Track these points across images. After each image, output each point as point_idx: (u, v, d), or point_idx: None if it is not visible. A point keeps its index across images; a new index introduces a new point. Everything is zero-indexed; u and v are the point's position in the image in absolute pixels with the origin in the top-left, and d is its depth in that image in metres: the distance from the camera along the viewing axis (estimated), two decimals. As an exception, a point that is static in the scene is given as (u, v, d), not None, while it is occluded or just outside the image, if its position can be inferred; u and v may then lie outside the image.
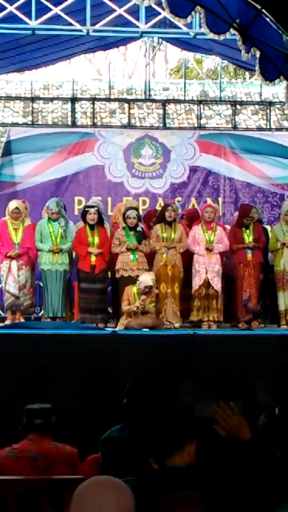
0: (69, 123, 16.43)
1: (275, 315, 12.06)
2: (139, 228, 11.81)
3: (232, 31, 8.75)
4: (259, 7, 8.51)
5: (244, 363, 10.06)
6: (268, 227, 13.41)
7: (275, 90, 16.80)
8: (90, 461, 5.46)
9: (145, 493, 3.13)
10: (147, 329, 10.92)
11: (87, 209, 12.09)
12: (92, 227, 11.76)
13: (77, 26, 13.31)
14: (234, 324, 11.96)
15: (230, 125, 16.83)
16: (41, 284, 12.22)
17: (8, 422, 5.88)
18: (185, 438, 3.66)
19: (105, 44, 15.57)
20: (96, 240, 11.68)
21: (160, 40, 17.28)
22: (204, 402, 8.72)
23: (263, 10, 8.51)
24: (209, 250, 11.70)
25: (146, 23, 13.58)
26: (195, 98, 18.43)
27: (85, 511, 2.60)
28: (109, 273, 12.08)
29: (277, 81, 8.92)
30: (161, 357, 9.71)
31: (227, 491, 3.71)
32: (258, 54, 8.70)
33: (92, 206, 12.10)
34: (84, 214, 12.02)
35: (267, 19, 8.58)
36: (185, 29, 13.19)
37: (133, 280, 11.26)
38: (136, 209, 12.23)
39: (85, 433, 5.89)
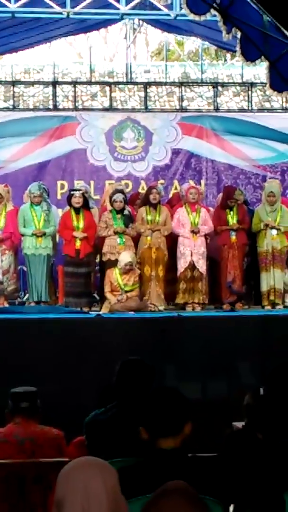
0: (51, 106, 16.39)
1: (259, 296, 12.09)
2: (126, 212, 11.81)
3: (212, 11, 8.74)
4: (239, -13, 8.52)
5: (228, 344, 10.11)
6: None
7: (257, 72, 16.82)
8: (76, 444, 5.48)
9: (131, 474, 3.15)
10: (132, 312, 10.96)
11: (72, 192, 12.09)
12: (77, 211, 11.73)
13: (57, 8, 13.28)
14: (218, 306, 11.99)
15: (212, 107, 16.80)
16: (24, 268, 12.22)
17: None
18: (182, 420, 3.66)
19: (85, 26, 15.51)
20: (81, 224, 11.67)
21: (141, 22, 17.26)
22: (189, 383, 8.79)
23: (243, -9, 8.52)
24: (194, 232, 11.70)
25: (126, 5, 13.57)
26: (176, 80, 18.41)
27: (72, 491, 2.62)
28: (98, 256, 12.07)
29: (258, 61, 8.94)
30: (146, 340, 9.74)
31: (216, 477, 3.74)
32: (239, 34, 8.72)
33: (78, 190, 12.11)
34: (69, 197, 11.99)
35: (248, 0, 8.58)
36: (165, 10, 13.18)
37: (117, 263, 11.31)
38: (123, 192, 12.20)
39: (71, 416, 5.89)
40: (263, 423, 4.18)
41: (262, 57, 8.80)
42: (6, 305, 11.87)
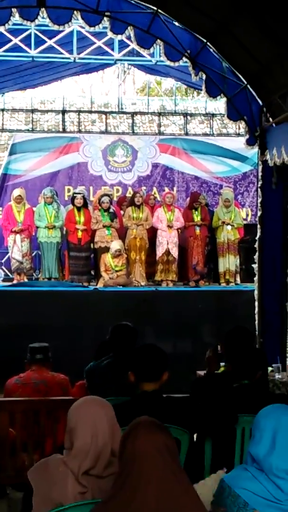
0: (60, 129, 16.31)
1: (217, 275, 12.10)
2: (111, 210, 11.87)
3: (184, 59, 8.70)
4: (205, 41, 8.47)
5: (193, 312, 10.14)
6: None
7: (217, 105, 16.73)
8: (78, 386, 5.48)
9: (121, 410, 3.14)
10: (121, 287, 10.96)
11: (75, 194, 12.15)
12: (79, 209, 11.76)
13: (66, 54, 13.19)
14: (186, 283, 11.99)
15: (182, 132, 16.76)
16: (39, 252, 12.20)
17: (16, 357, 5.86)
18: (161, 369, 3.66)
19: (87, 68, 15.40)
20: (82, 219, 11.71)
21: (130, 66, 17.17)
22: (164, 342, 8.81)
23: (208, 43, 8.47)
24: (169, 227, 11.70)
25: (119, 53, 13.48)
26: (156, 111, 18.29)
27: (82, 421, 2.61)
28: (91, 244, 12.07)
29: (218, 97, 8.89)
30: (131, 308, 9.77)
31: (185, 413, 3.74)
32: (204, 76, 8.66)
33: (79, 193, 12.14)
34: (73, 198, 12.05)
35: (211, 50, 8.55)
36: (148, 57, 13.09)
37: (108, 250, 11.31)
38: (109, 195, 12.28)
39: (74, 365, 5.88)
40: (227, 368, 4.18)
41: (222, 94, 8.75)
42: (26, 280, 11.86)
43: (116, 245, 11.21)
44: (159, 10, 8.31)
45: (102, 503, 2.23)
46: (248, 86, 8.55)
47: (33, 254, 12.40)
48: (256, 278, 8.77)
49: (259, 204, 8.65)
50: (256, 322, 8.58)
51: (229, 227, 11.88)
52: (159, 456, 2.20)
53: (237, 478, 2.52)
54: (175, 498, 2.16)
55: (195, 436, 3.99)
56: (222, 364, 4.87)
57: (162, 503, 2.13)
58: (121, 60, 14.35)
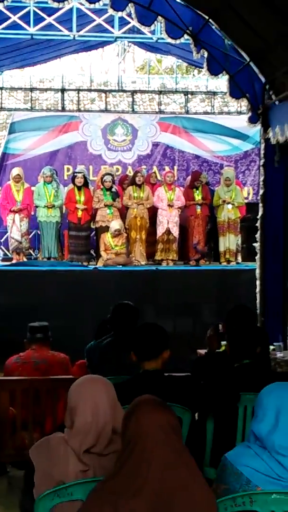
0: (60, 108, 16.20)
1: (218, 254, 12.09)
2: (113, 189, 11.79)
3: (186, 36, 8.60)
4: (207, 17, 8.36)
5: (194, 291, 10.13)
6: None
7: (218, 83, 16.61)
8: (78, 365, 5.48)
9: (122, 389, 3.13)
10: (121, 266, 10.94)
11: (75, 174, 12.07)
12: (79, 188, 11.69)
13: (66, 32, 13.08)
14: (186, 262, 11.98)
15: (183, 110, 16.65)
16: (38, 232, 12.16)
17: (16, 336, 5.85)
18: (162, 347, 3.64)
19: (87, 46, 15.30)
20: (82, 198, 11.64)
21: (130, 43, 17.03)
22: (164, 321, 8.79)
23: (210, 20, 8.37)
24: (170, 206, 11.66)
25: (119, 30, 13.37)
26: (156, 89, 18.15)
27: (83, 400, 2.60)
28: (92, 223, 12.03)
29: (220, 75, 8.80)
30: (131, 287, 9.76)
31: (186, 391, 3.73)
32: (205, 54, 8.56)
33: (80, 172, 12.06)
34: (73, 177, 11.98)
35: (213, 27, 8.44)
36: (149, 35, 12.96)
37: (108, 229, 11.28)
38: (111, 174, 12.16)
39: (74, 344, 5.87)
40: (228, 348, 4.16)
41: (224, 71, 8.66)
42: (25, 259, 11.83)
43: (115, 225, 11.19)
44: (160, -14, 8.20)
45: (105, 481, 2.22)
46: (251, 63, 8.46)
47: (32, 234, 12.38)
48: (257, 257, 8.74)
49: (261, 183, 8.59)
50: (258, 301, 8.55)
51: (229, 206, 11.84)
52: (162, 434, 2.19)
53: (239, 455, 2.52)
54: (179, 476, 2.15)
55: (196, 414, 3.98)
56: (223, 343, 4.86)
57: (165, 481, 2.13)
58: (121, 37, 14.25)
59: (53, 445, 2.58)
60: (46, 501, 2.46)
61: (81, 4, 10.88)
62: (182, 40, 8.79)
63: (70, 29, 13.05)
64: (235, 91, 8.73)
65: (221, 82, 14.51)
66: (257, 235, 8.74)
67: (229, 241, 11.81)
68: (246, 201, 13.07)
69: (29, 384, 5.20)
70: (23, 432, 5.20)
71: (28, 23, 12.55)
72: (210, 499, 2.22)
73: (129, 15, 8.88)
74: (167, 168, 14.67)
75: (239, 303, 5.16)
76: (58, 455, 2.55)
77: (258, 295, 8.65)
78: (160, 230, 11.65)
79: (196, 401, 3.77)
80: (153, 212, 11.80)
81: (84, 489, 2.40)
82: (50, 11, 12.22)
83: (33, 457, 2.58)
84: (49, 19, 12.57)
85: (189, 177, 12.90)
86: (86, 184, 11.87)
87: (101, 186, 11.80)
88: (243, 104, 8.99)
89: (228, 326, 4.28)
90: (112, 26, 13.29)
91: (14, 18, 12.35)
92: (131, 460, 2.17)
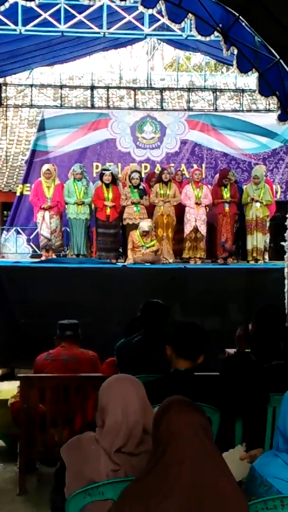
0: (89, 105, 16.26)
1: (246, 253, 12.03)
2: (141, 187, 11.78)
3: (215, 33, 8.55)
4: (237, 14, 8.31)
5: (221, 289, 10.08)
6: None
7: (247, 80, 16.54)
8: (107, 363, 5.48)
9: (153, 388, 3.12)
10: (149, 263, 10.93)
11: (103, 171, 12.06)
12: (107, 186, 11.69)
13: (96, 29, 13.08)
14: (214, 260, 11.94)
15: (212, 108, 16.63)
16: (68, 229, 12.20)
17: (46, 334, 5.88)
18: (201, 350, 3.60)
19: (116, 44, 15.29)
20: (111, 196, 11.62)
21: (158, 41, 17.02)
22: (192, 319, 8.76)
23: (240, 17, 8.31)
24: (197, 204, 11.63)
25: (149, 27, 13.35)
26: (185, 87, 18.14)
27: (114, 399, 2.61)
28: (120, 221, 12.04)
29: (250, 73, 8.74)
30: (159, 285, 9.73)
31: (216, 391, 3.71)
32: (235, 51, 8.51)
33: (108, 169, 12.07)
34: (101, 175, 11.96)
35: (243, 24, 8.39)
36: (178, 32, 12.92)
37: (136, 227, 11.26)
38: (139, 172, 12.14)
39: (103, 342, 5.88)
40: (256, 349, 4.13)
41: (253, 69, 8.60)
42: (54, 256, 11.88)
43: (144, 225, 11.09)
44: (191, -16, 8.16)
45: (137, 481, 2.22)
46: (281, 60, 8.39)
47: (62, 231, 12.41)
48: (286, 256, 8.68)
49: (290, 181, 8.53)
50: (286, 300, 8.50)
51: (257, 204, 11.77)
52: (193, 434, 2.19)
53: (268, 466, 2.49)
54: (210, 476, 2.15)
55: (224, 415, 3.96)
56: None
57: (197, 481, 2.12)
58: (151, 35, 14.21)
59: (84, 444, 2.59)
60: (77, 499, 2.47)
61: (111, 1, 10.86)
62: (212, 37, 8.73)
63: (100, 27, 13.06)
64: (265, 89, 8.66)
65: (250, 80, 14.47)
66: (286, 234, 8.68)
67: (257, 240, 11.75)
68: (274, 199, 13.00)
69: (59, 382, 5.22)
70: (52, 429, 5.22)
71: (58, 21, 12.57)
72: (240, 499, 2.22)
73: (160, 12, 8.84)
74: (195, 166, 14.63)
75: (267, 302, 5.11)
76: (89, 454, 2.56)
77: (286, 294, 8.60)
78: (187, 228, 11.63)
79: (226, 401, 3.75)
80: (180, 210, 11.77)
81: (115, 489, 2.41)
82: (81, 9, 12.23)
83: (64, 456, 2.59)
84: (80, 17, 12.58)
85: (218, 175, 12.83)
86: (114, 181, 11.87)
87: (128, 184, 11.79)
88: (272, 102, 8.93)
89: (257, 326, 4.25)
90: (142, 24, 13.26)
91: (45, 15, 12.38)
92: (162, 460, 2.17)
